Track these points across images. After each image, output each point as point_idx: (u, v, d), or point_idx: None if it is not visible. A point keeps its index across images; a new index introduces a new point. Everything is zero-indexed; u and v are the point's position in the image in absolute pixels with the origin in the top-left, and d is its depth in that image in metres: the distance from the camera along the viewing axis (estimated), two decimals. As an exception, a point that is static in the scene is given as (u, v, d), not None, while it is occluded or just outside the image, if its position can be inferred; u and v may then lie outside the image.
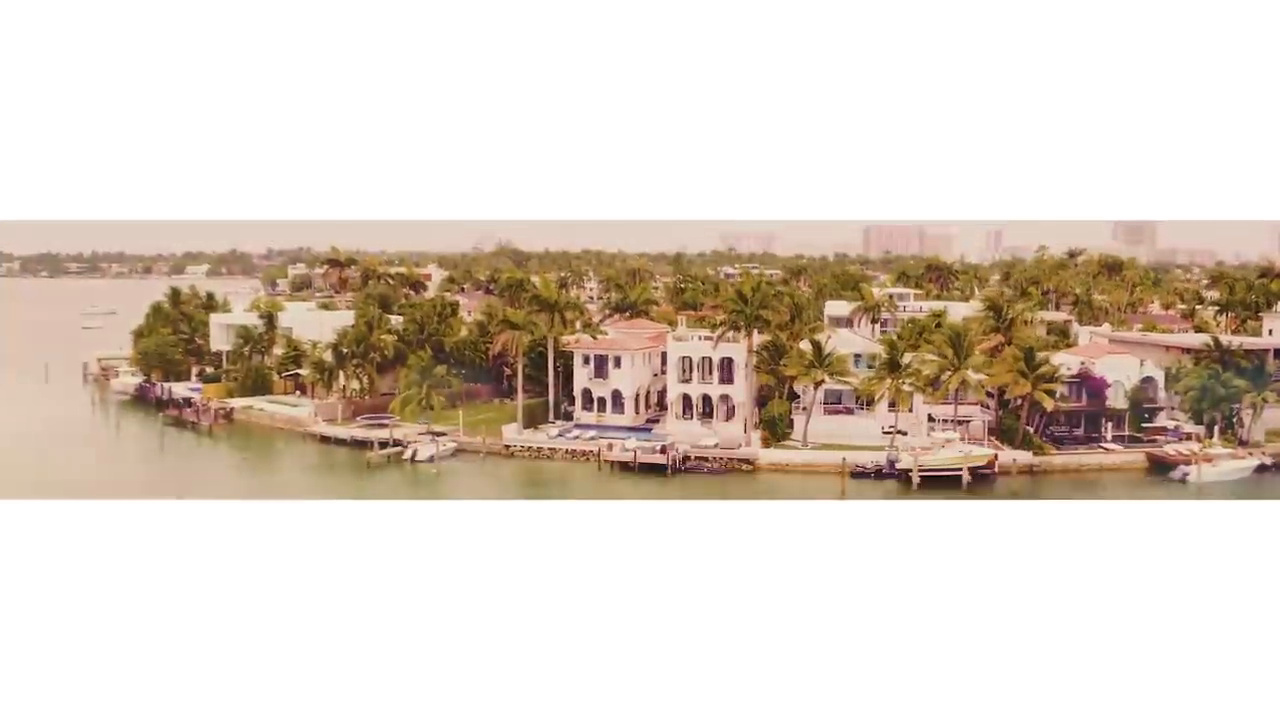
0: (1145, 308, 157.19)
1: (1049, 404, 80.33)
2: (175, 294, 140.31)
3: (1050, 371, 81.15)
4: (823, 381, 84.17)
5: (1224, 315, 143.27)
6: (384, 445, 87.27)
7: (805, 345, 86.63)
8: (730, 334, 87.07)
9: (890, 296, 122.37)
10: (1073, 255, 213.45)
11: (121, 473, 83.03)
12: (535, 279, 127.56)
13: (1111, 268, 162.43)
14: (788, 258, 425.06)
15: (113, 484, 77.53)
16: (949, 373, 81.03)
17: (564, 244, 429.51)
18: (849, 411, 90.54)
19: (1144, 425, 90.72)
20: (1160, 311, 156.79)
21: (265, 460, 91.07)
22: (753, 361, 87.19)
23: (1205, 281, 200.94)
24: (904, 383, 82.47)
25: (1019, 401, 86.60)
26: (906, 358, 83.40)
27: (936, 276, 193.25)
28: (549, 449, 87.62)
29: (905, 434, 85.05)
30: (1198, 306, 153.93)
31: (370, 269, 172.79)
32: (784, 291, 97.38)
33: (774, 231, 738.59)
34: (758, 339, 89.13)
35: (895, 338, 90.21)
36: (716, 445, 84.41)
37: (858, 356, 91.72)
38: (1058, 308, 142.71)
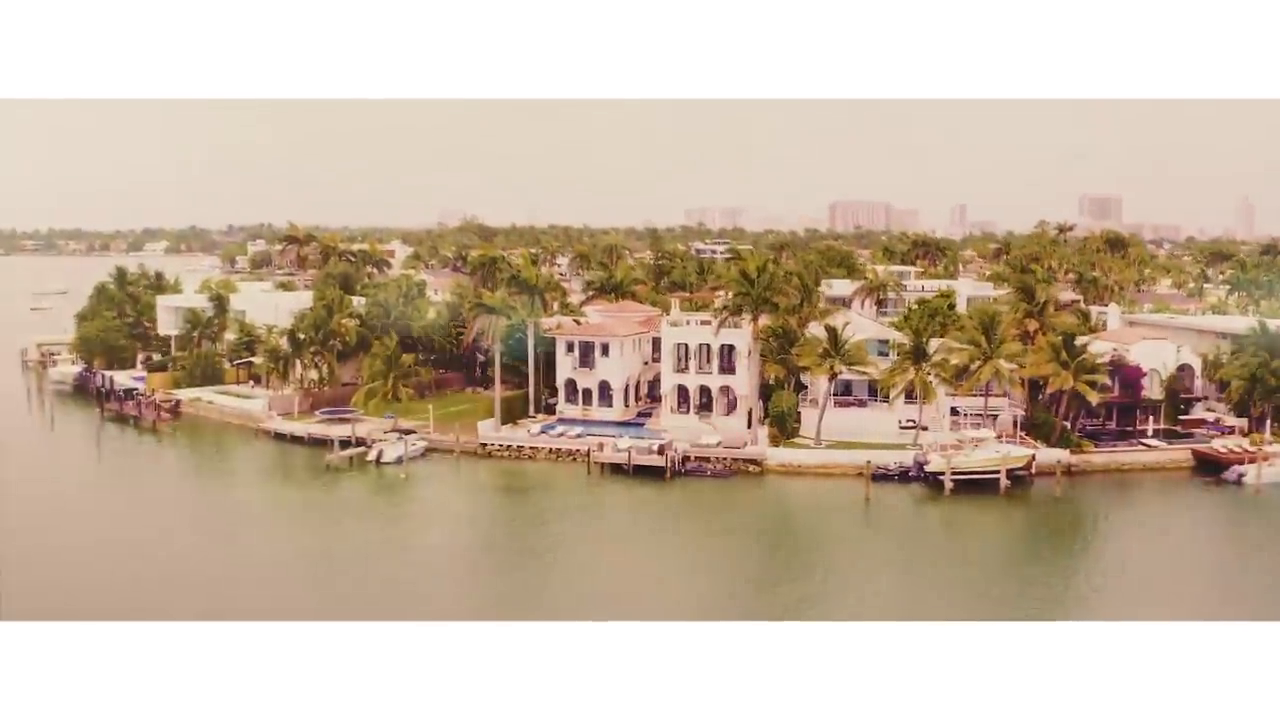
0: (1150, 286, 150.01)
1: (1094, 397, 72.10)
2: (121, 274, 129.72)
3: (1091, 361, 72.86)
4: (838, 373, 75.54)
5: (1234, 294, 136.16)
6: (345, 444, 77.89)
7: (818, 331, 77.85)
8: (732, 318, 78.14)
9: (895, 275, 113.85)
10: (1062, 230, 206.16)
11: (49, 486, 72.92)
12: (510, 256, 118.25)
13: (1113, 244, 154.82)
14: (758, 233, 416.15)
15: (38, 501, 67.55)
16: (979, 362, 72.65)
17: (529, 218, 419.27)
18: (861, 404, 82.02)
19: (1181, 417, 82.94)
20: (1164, 290, 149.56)
21: (213, 464, 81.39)
22: (758, 349, 78.37)
23: (1201, 258, 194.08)
24: (929, 373, 73.95)
25: (1045, 394, 78.63)
26: (932, 345, 74.81)
27: (924, 253, 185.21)
28: (530, 448, 78.59)
29: (926, 429, 76.69)
30: (1206, 285, 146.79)
31: (330, 246, 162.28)
32: (793, 271, 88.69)
33: (740, 206, 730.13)
34: (760, 323, 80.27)
35: (918, 323, 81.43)
36: (719, 444, 75.65)
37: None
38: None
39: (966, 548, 59.76)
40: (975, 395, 76.41)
